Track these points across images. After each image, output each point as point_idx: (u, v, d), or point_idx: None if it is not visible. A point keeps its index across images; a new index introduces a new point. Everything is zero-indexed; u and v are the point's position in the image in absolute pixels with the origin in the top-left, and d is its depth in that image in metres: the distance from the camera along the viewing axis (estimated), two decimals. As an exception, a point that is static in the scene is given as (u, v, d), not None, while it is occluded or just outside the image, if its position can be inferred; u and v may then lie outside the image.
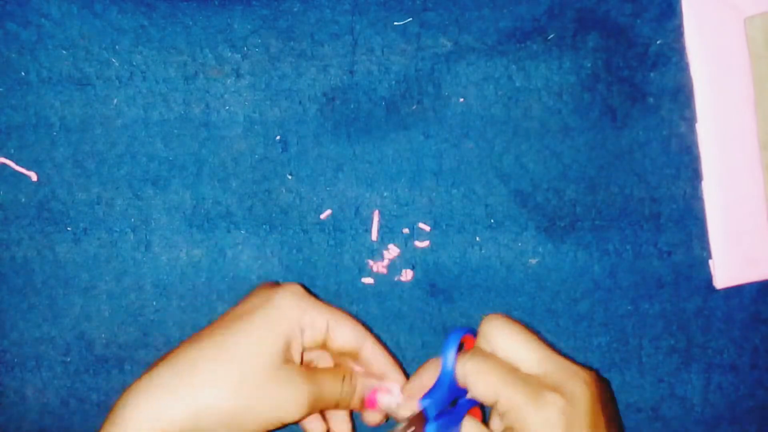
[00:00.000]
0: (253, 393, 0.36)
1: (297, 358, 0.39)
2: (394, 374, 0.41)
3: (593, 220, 0.45)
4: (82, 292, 0.46)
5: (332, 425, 0.42)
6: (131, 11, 0.46)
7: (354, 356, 0.40)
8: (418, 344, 0.46)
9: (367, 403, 0.40)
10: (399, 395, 0.40)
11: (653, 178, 0.45)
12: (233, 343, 0.37)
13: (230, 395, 0.36)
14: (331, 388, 0.39)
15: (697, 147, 0.45)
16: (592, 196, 0.45)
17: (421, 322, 0.46)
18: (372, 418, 0.41)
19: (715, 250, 0.45)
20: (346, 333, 0.39)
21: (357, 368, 0.41)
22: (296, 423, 0.38)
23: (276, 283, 0.41)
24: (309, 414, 0.38)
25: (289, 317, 0.38)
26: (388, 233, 0.46)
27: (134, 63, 0.46)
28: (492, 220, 0.46)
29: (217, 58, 0.46)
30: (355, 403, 0.40)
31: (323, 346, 0.40)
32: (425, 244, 0.46)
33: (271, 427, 0.37)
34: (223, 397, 0.35)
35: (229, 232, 0.46)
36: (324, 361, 0.42)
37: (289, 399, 0.37)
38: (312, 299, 0.39)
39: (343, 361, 0.41)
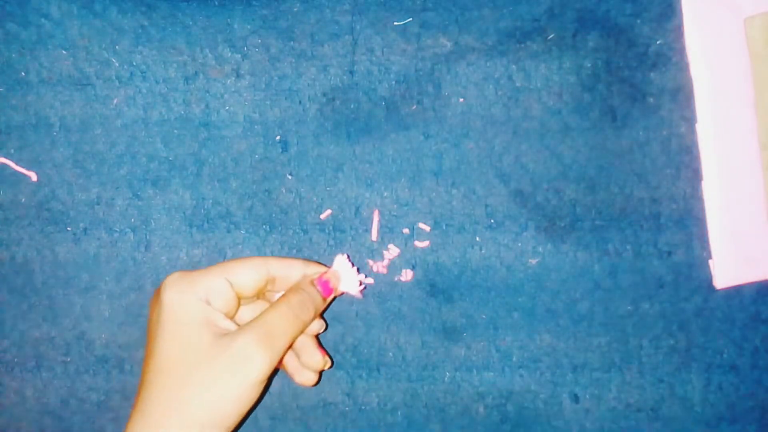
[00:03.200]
0: (206, 381, 0.36)
1: (228, 324, 0.38)
2: (315, 266, 0.42)
3: (593, 220, 0.45)
4: (82, 292, 0.46)
5: (301, 374, 0.43)
6: (131, 11, 0.46)
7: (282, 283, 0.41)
8: (418, 344, 0.46)
9: (318, 281, 0.41)
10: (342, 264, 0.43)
11: (653, 178, 0.45)
12: (165, 360, 0.37)
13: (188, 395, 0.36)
14: (282, 319, 0.38)
15: (697, 147, 0.45)
16: (592, 196, 0.45)
17: (421, 322, 0.46)
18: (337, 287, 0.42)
19: (715, 250, 0.45)
20: (245, 274, 0.40)
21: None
22: (272, 371, 0.38)
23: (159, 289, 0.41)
24: (277, 358, 0.38)
25: (179, 310, 0.38)
26: (388, 233, 0.46)
27: (134, 63, 0.46)
28: (492, 220, 0.46)
29: (217, 58, 0.46)
30: (318, 304, 0.40)
31: (255, 295, 0.41)
32: (425, 244, 0.46)
33: (251, 392, 0.37)
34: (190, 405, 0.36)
35: (229, 232, 0.46)
36: None
37: (238, 359, 0.36)
38: (195, 273, 0.39)
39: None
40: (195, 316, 0.38)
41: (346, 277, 0.43)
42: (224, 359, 0.37)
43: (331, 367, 0.45)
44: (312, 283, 0.41)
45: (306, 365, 0.42)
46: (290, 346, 0.40)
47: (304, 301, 0.40)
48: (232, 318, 0.40)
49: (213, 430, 0.36)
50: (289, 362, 0.43)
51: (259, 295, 0.42)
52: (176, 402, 0.36)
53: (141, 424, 0.36)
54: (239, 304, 0.41)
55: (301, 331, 0.40)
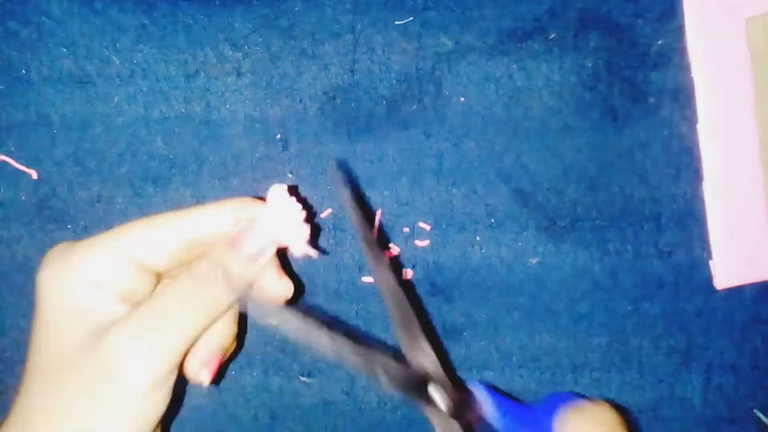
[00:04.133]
0: (82, 386, 0.28)
1: (118, 312, 0.30)
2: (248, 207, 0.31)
3: (594, 220, 0.45)
4: (82, 290, 0.46)
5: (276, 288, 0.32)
6: (132, 9, 0.46)
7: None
8: (418, 343, 0.46)
9: (236, 242, 0.30)
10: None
11: (654, 179, 0.45)
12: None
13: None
14: (179, 299, 0.29)
15: (697, 147, 0.45)
16: (592, 195, 0.45)
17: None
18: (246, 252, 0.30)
19: (715, 250, 0.45)
20: (149, 244, 0.30)
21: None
22: (176, 368, 0.30)
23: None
24: (173, 355, 0.29)
25: (54, 298, 0.30)
26: (389, 232, 0.46)
27: (135, 61, 0.46)
28: (492, 220, 0.46)
29: (217, 56, 0.46)
30: (240, 275, 0.30)
31: (180, 265, 0.31)
32: (425, 243, 0.46)
33: (147, 400, 0.29)
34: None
35: (229, 230, 0.46)
36: None
37: (112, 360, 0.29)
38: (80, 246, 0.30)
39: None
40: (72, 304, 0.29)
41: (283, 224, 0.29)
42: (96, 361, 0.28)
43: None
44: (230, 242, 0.30)
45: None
46: (198, 334, 0.30)
47: (211, 271, 0.29)
48: (144, 296, 0.31)
49: None
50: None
51: (187, 262, 0.31)
52: (46, 412, 0.29)
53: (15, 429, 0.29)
54: (158, 279, 0.31)
55: (215, 314, 0.30)
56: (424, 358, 0.31)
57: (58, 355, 0.29)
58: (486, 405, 0.32)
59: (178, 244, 0.30)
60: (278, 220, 0.30)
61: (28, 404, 0.30)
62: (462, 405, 0.31)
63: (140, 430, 0.29)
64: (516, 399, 0.42)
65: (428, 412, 0.31)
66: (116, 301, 0.30)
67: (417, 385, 0.30)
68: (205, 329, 0.30)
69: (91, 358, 0.28)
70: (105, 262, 0.30)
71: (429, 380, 0.31)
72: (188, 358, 0.31)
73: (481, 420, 0.31)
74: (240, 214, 0.31)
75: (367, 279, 0.46)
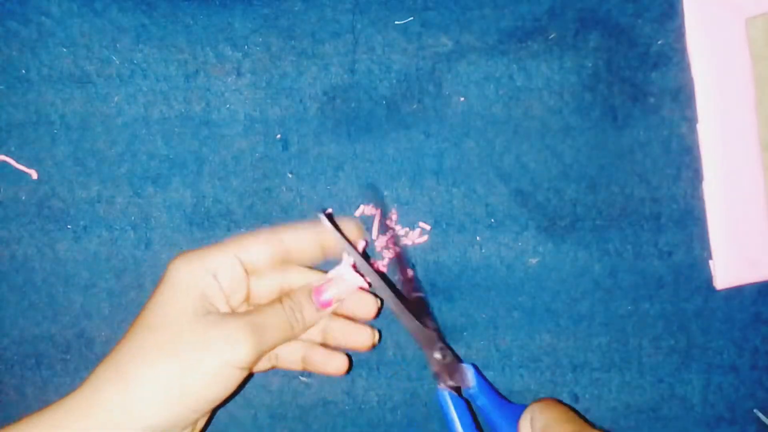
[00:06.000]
0: (182, 347, 0.35)
1: (224, 307, 0.38)
2: (328, 237, 0.40)
3: (594, 220, 0.45)
4: (82, 290, 0.46)
5: (329, 363, 0.42)
6: (132, 9, 0.46)
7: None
8: (418, 343, 0.46)
9: (315, 293, 0.39)
10: (345, 268, 0.40)
11: (654, 178, 0.45)
12: (147, 325, 0.36)
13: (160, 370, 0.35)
14: (274, 315, 0.38)
15: (697, 147, 0.45)
16: (592, 195, 0.45)
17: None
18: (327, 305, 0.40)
19: (715, 250, 0.45)
20: (256, 248, 0.39)
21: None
22: (255, 364, 0.37)
23: None
24: (261, 350, 0.37)
25: (181, 277, 0.37)
26: (388, 232, 0.46)
27: (135, 61, 0.46)
28: (492, 220, 0.46)
29: (218, 56, 0.46)
30: (310, 315, 0.39)
31: (268, 272, 0.40)
32: (424, 239, 0.46)
33: (229, 376, 0.36)
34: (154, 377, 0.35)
35: (229, 230, 0.46)
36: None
37: (221, 335, 0.36)
38: (205, 248, 0.38)
39: None
40: (196, 284, 0.37)
41: (349, 286, 0.40)
42: (210, 335, 0.35)
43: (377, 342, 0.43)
44: (309, 293, 0.40)
45: (351, 344, 0.41)
46: (279, 344, 0.38)
47: (294, 308, 0.39)
48: (238, 300, 0.39)
49: (177, 406, 0.35)
50: (313, 355, 0.41)
51: (272, 270, 0.40)
52: (149, 363, 0.35)
53: (109, 372, 0.35)
54: (248, 288, 0.40)
55: (288, 339, 0.39)
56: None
57: (170, 320, 0.36)
58: (470, 377, 0.42)
59: (273, 252, 0.39)
60: (346, 285, 0.40)
61: (129, 349, 0.36)
62: (453, 368, 0.42)
63: (216, 393, 0.36)
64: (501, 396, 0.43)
65: (430, 358, 0.42)
66: (222, 296, 0.38)
67: (428, 340, 0.42)
68: (285, 340, 0.38)
69: (200, 331, 0.35)
70: (221, 258, 0.38)
71: (437, 339, 0.42)
72: (320, 363, 0.42)
73: (464, 385, 0.42)
74: (319, 239, 0.40)
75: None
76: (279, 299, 0.39)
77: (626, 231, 0.45)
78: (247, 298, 0.40)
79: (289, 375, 0.46)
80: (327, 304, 0.40)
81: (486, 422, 0.42)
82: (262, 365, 0.42)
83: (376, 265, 0.46)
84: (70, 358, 0.46)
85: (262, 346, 0.37)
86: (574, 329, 0.46)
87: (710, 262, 0.45)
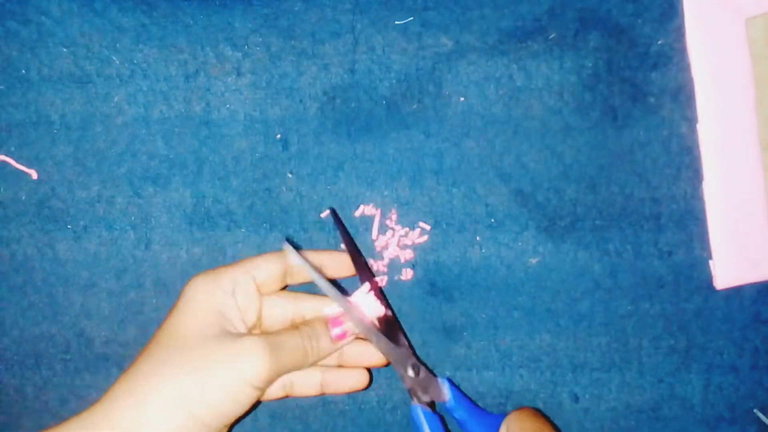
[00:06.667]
0: (199, 363, 0.36)
1: (240, 327, 0.39)
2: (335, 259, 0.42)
3: (594, 220, 0.45)
4: (82, 290, 0.46)
5: (348, 381, 0.42)
6: (132, 9, 0.46)
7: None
8: (419, 343, 0.46)
9: (332, 325, 0.40)
10: (365, 295, 0.42)
11: (654, 178, 0.45)
12: (166, 341, 0.37)
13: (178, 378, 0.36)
14: (290, 339, 0.38)
15: (697, 147, 0.45)
16: (592, 195, 0.45)
17: (421, 321, 0.46)
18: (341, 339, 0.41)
19: (715, 250, 0.45)
20: (267, 267, 0.40)
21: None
22: (269, 384, 0.38)
23: None
24: (276, 370, 0.37)
25: (199, 296, 0.38)
26: (388, 232, 0.46)
27: (135, 61, 0.46)
28: (492, 220, 0.46)
29: (218, 56, 0.46)
30: (325, 345, 0.40)
31: (276, 290, 0.41)
32: (424, 239, 0.46)
33: (242, 393, 0.36)
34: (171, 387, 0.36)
35: (229, 230, 0.46)
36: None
37: (238, 350, 0.36)
38: (223, 267, 0.40)
39: None
40: (213, 303, 0.38)
41: (365, 316, 0.41)
42: (227, 350, 0.36)
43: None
44: (325, 324, 0.40)
45: (370, 363, 0.42)
46: (295, 367, 0.39)
47: (312, 336, 0.39)
48: (251, 320, 0.40)
49: (190, 421, 0.35)
50: (331, 377, 0.42)
51: (286, 299, 0.42)
52: (164, 378, 0.36)
53: (125, 388, 0.36)
54: (260, 308, 0.41)
55: (302, 366, 0.39)
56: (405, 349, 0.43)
57: (187, 337, 0.37)
58: (446, 391, 0.42)
59: (281, 270, 0.41)
60: (361, 315, 0.41)
61: (146, 366, 0.36)
62: (428, 382, 0.42)
63: (230, 410, 0.37)
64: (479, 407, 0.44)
65: (403, 375, 0.42)
66: (238, 315, 0.39)
67: (400, 358, 0.42)
68: (299, 367, 0.39)
69: (216, 347, 0.36)
70: (236, 275, 0.39)
71: (409, 356, 0.42)
72: (337, 383, 0.42)
73: (440, 399, 0.42)
74: (326, 262, 0.42)
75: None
76: (296, 326, 0.40)
77: (626, 231, 0.45)
78: (260, 324, 0.41)
79: (289, 375, 0.46)
80: (342, 337, 0.40)
81: None
82: (275, 392, 0.42)
83: (376, 266, 0.46)
84: (70, 358, 0.46)
85: (278, 366, 0.37)
86: (574, 329, 0.46)
87: (710, 262, 0.45)
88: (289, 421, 0.46)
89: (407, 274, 0.46)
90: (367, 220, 0.46)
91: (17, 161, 0.46)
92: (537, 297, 0.46)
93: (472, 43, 0.45)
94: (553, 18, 0.45)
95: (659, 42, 0.45)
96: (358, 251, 0.44)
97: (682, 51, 0.45)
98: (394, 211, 0.46)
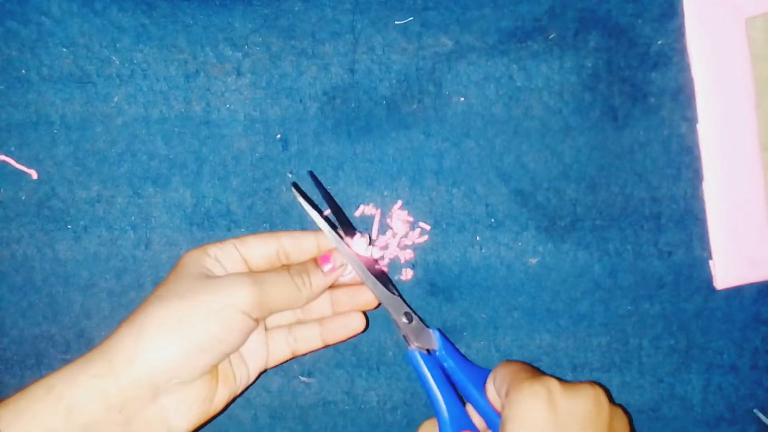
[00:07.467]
0: (189, 295, 0.38)
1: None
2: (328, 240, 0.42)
3: (594, 220, 0.45)
4: (82, 290, 0.46)
5: (348, 326, 0.43)
6: (131, 9, 0.46)
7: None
8: (418, 343, 0.46)
9: (321, 261, 0.42)
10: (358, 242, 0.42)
11: (654, 178, 0.45)
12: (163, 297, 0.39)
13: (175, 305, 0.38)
14: (277, 275, 0.40)
15: (697, 147, 0.45)
16: (592, 195, 0.45)
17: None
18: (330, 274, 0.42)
19: (715, 250, 0.45)
20: (254, 245, 0.41)
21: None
22: (260, 315, 0.39)
23: None
24: (266, 301, 0.39)
25: (188, 262, 0.40)
26: (388, 231, 0.46)
27: (135, 61, 0.46)
28: (492, 220, 0.46)
29: (218, 56, 0.46)
30: (317, 278, 0.41)
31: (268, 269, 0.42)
32: (424, 239, 0.46)
33: (232, 318, 0.38)
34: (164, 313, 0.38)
35: (229, 230, 0.46)
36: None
37: (222, 283, 0.38)
38: (214, 242, 0.42)
39: None
40: (202, 265, 0.40)
41: (353, 254, 0.42)
42: (214, 283, 0.38)
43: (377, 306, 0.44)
44: (315, 260, 0.41)
45: (360, 305, 0.43)
46: (280, 306, 0.40)
47: (301, 272, 0.40)
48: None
49: (184, 339, 0.37)
50: (329, 324, 0.43)
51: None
52: (159, 308, 0.38)
53: (124, 328, 0.38)
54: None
55: (296, 302, 0.40)
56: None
57: (179, 288, 0.39)
58: (436, 341, 0.42)
59: (270, 251, 0.42)
60: (355, 255, 0.42)
61: (144, 308, 0.38)
62: (420, 332, 0.43)
63: (225, 337, 0.38)
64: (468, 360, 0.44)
65: (398, 322, 0.43)
66: (225, 271, 0.41)
67: (393, 304, 0.43)
68: (293, 302, 0.40)
69: (205, 283, 0.38)
70: (224, 249, 0.41)
71: (402, 305, 0.43)
72: (336, 330, 0.43)
73: (431, 348, 0.43)
74: (320, 242, 0.43)
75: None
76: (286, 266, 0.41)
77: (626, 231, 0.45)
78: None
79: (289, 375, 0.46)
80: (333, 270, 0.41)
81: (453, 383, 0.43)
82: (282, 352, 0.43)
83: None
84: (70, 358, 0.46)
85: (264, 295, 0.39)
86: (574, 329, 0.46)
87: (710, 262, 0.45)
88: (289, 421, 0.46)
89: (407, 274, 0.46)
90: (367, 220, 0.46)
91: (17, 161, 0.46)
92: (537, 297, 0.46)
93: (472, 43, 0.45)
94: (553, 18, 0.45)
95: (659, 42, 0.45)
96: (343, 213, 0.45)
97: (682, 51, 0.45)
98: (398, 207, 0.46)
